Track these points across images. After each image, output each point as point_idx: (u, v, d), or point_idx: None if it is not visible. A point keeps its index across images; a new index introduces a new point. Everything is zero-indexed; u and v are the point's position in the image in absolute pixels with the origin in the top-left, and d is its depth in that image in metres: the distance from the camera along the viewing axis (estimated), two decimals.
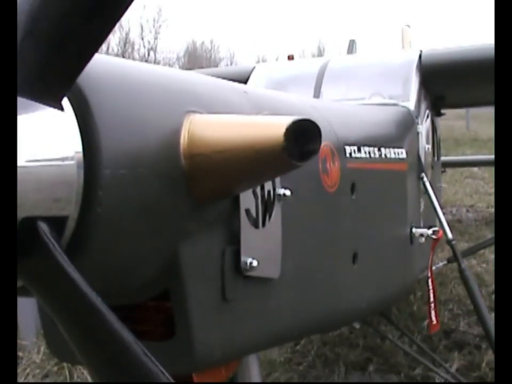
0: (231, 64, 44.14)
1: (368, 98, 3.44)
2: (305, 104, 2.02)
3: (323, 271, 1.90)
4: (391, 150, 2.53)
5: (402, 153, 2.67)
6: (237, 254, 1.44)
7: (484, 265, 6.24)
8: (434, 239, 2.79)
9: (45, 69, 0.95)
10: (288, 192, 1.58)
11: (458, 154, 12.55)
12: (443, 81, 3.72)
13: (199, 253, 1.35)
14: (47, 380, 4.04)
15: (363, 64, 3.82)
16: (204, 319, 1.37)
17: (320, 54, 44.37)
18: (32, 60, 0.94)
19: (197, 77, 1.49)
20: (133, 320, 1.40)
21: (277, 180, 1.56)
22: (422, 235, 2.80)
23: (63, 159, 0.99)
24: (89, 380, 3.95)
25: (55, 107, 0.99)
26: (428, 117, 3.67)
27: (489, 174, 12.00)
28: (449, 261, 3.60)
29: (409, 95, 3.36)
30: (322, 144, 1.28)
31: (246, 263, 1.45)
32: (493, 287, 5.33)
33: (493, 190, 9.80)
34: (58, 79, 0.97)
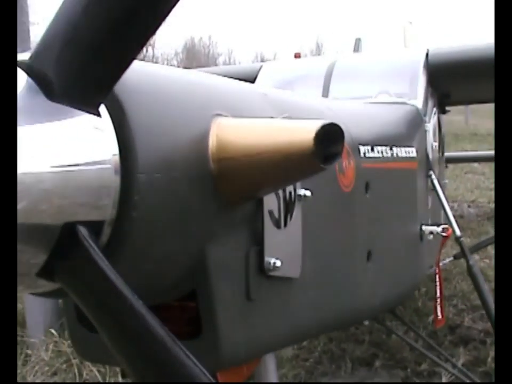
0: (229, 59, 44.10)
1: (375, 97, 3.45)
2: (321, 105, 2.05)
3: (340, 269, 1.93)
4: (402, 149, 2.56)
5: (412, 151, 2.69)
6: (260, 254, 1.47)
7: (486, 261, 6.27)
8: (444, 236, 2.82)
9: (84, 77, 0.97)
10: (308, 193, 1.61)
11: (458, 149, 12.58)
12: (449, 79, 3.75)
13: (225, 253, 1.37)
14: (56, 377, 4.06)
15: (370, 62, 3.84)
16: (229, 318, 1.40)
17: (318, 50, 44.33)
18: (72, 67, 0.96)
19: (221, 80, 1.51)
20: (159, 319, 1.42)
21: None
22: (431, 232, 2.83)
23: (100, 165, 1.01)
24: (98, 377, 3.98)
25: (92, 113, 1.01)
26: (434, 114, 3.70)
27: (489, 169, 12.03)
28: (455, 257, 3.63)
29: (416, 93, 3.39)
30: None
31: (270, 263, 1.48)
32: None
33: (493, 185, 9.81)
34: (97, 86, 0.99)
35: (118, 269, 1.00)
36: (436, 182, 3.16)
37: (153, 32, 0.98)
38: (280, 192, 1.53)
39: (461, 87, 4.08)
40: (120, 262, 1.08)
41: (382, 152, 2.30)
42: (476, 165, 12.76)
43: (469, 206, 9.40)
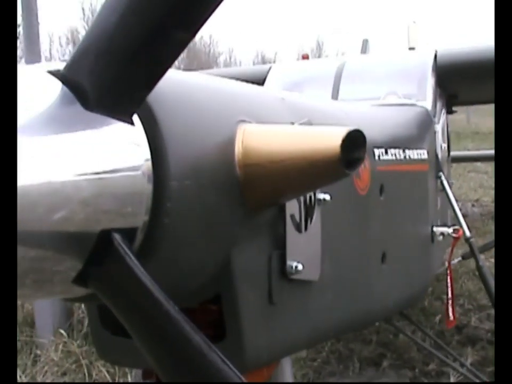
0: (230, 58, 44.10)
1: (383, 98, 3.47)
2: (335, 109, 2.06)
3: (356, 271, 1.95)
4: (414, 151, 2.57)
5: (424, 153, 2.71)
6: (282, 258, 1.48)
7: (491, 260, 6.29)
8: (455, 237, 2.83)
9: (118, 86, 0.98)
10: (327, 197, 1.62)
11: (460, 147, 12.57)
12: (457, 80, 3.77)
13: (249, 258, 1.39)
14: (66, 378, 4.08)
15: (379, 64, 3.86)
16: (253, 322, 1.41)
17: (319, 49, 44.28)
18: (106, 77, 0.97)
19: (242, 86, 1.53)
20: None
21: None
22: (442, 233, 2.85)
23: (134, 173, 1.02)
24: (107, 377, 4.00)
25: (126, 122, 1.02)
26: (442, 115, 3.72)
27: (492, 168, 12.04)
28: (463, 257, 3.65)
29: (425, 94, 3.40)
30: None
31: (292, 267, 1.49)
32: None
33: None
34: (131, 96, 1.00)
35: (149, 274, 1.02)
36: (445, 183, 3.18)
37: (187, 42, 0.99)
38: (301, 196, 1.54)
39: (468, 88, 4.10)
40: (150, 268, 1.10)
41: (395, 155, 2.32)
42: (478, 163, 12.77)
43: (472, 205, 9.42)
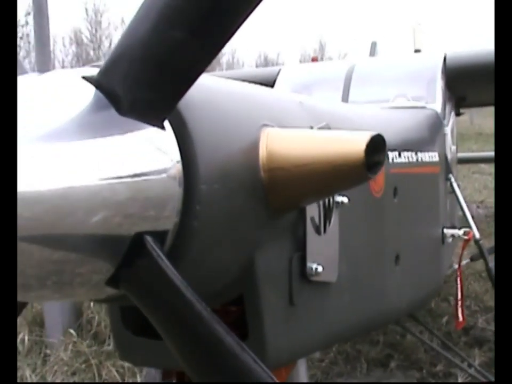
0: (233, 59, 44.11)
1: (392, 100, 3.49)
2: (351, 112, 2.09)
3: (371, 273, 1.97)
4: (426, 153, 2.60)
5: (435, 156, 2.74)
6: (302, 260, 1.51)
7: None
8: (465, 239, 2.85)
9: (151, 93, 1.00)
10: (345, 200, 1.65)
11: (464, 149, 12.54)
12: (466, 83, 3.79)
13: (271, 260, 1.41)
14: (75, 377, 4.10)
15: (388, 66, 3.88)
16: (274, 322, 1.43)
17: (321, 49, 44.27)
18: (139, 84, 1.00)
19: (265, 90, 1.55)
20: None
21: None
22: (452, 235, 2.87)
23: (166, 177, 1.04)
24: (117, 377, 4.02)
25: (157, 126, 1.04)
26: (451, 117, 3.74)
27: None
28: (472, 259, 3.66)
29: (434, 97, 3.42)
30: None
31: (312, 269, 1.52)
32: None
33: None
34: (163, 102, 1.03)
35: None
36: (455, 185, 3.20)
37: (219, 50, 1.01)
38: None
39: (477, 91, 4.12)
40: (179, 270, 1.12)
41: (408, 158, 2.34)
42: (482, 165, 12.76)
43: (477, 207, 9.42)
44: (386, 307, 2.11)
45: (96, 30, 34.62)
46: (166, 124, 1.08)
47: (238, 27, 0.99)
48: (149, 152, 1.03)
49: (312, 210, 1.53)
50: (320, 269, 1.53)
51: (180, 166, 1.08)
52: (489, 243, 4.88)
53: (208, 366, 1.02)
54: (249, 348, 1.42)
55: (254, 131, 1.29)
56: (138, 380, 3.95)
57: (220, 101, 1.25)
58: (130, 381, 4.01)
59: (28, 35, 16.38)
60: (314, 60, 4.51)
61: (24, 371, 4.05)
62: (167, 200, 1.05)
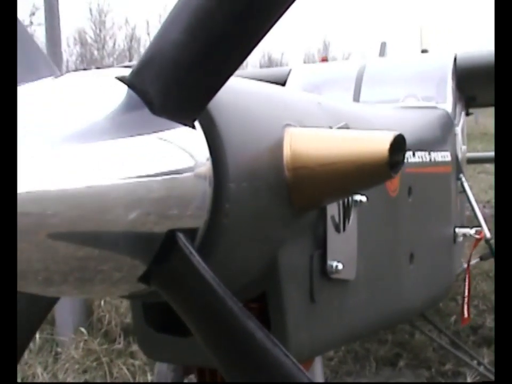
0: None
1: (402, 100, 3.50)
2: (367, 112, 2.11)
3: (387, 271, 1.99)
4: (439, 153, 2.62)
5: (447, 156, 2.76)
6: (323, 258, 1.53)
7: None
8: (477, 238, 2.87)
9: (182, 94, 1.03)
10: (364, 198, 1.67)
11: (469, 148, 12.48)
12: (477, 83, 3.80)
13: (293, 257, 1.44)
14: (87, 375, 4.13)
15: (399, 66, 3.89)
16: (296, 318, 1.46)
17: (326, 49, 44.22)
18: (171, 84, 1.02)
19: (286, 91, 1.57)
20: None
21: None
22: (464, 234, 2.89)
23: (196, 175, 1.07)
24: (128, 375, 4.04)
25: (188, 126, 1.06)
26: (461, 117, 3.75)
27: None
28: (482, 258, 3.68)
29: (445, 97, 3.43)
30: None
31: (332, 266, 1.54)
32: None
33: None
34: (194, 102, 1.05)
35: None
36: (466, 184, 3.22)
37: (250, 51, 1.03)
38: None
39: (487, 90, 4.12)
40: (208, 267, 1.14)
41: (422, 157, 2.36)
42: (488, 164, 12.74)
43: (484, 206, 9.39)
44: (402, 305, 2.13)
45: (100, 30, 34.62)
46: (196, 123, 1.10)
47: (270, 29, 1.01)
48: (180, 151, 1.05)
49: (332, 209, 1.55)
50: (340, 266, 1.55)
51: (209, 164, 1.10)
52: None
53: (240, 360, 1.04)
54: None
55: (278, 131, 1.31)
56: (149, 378, 3.97)
57: (246, 102, 1.27)
58: (141, 379, 4.04)
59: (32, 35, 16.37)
60: (324, 60, 4.52)
61: (36, 369, 4.08)
62: (197, 198, 1.07)
